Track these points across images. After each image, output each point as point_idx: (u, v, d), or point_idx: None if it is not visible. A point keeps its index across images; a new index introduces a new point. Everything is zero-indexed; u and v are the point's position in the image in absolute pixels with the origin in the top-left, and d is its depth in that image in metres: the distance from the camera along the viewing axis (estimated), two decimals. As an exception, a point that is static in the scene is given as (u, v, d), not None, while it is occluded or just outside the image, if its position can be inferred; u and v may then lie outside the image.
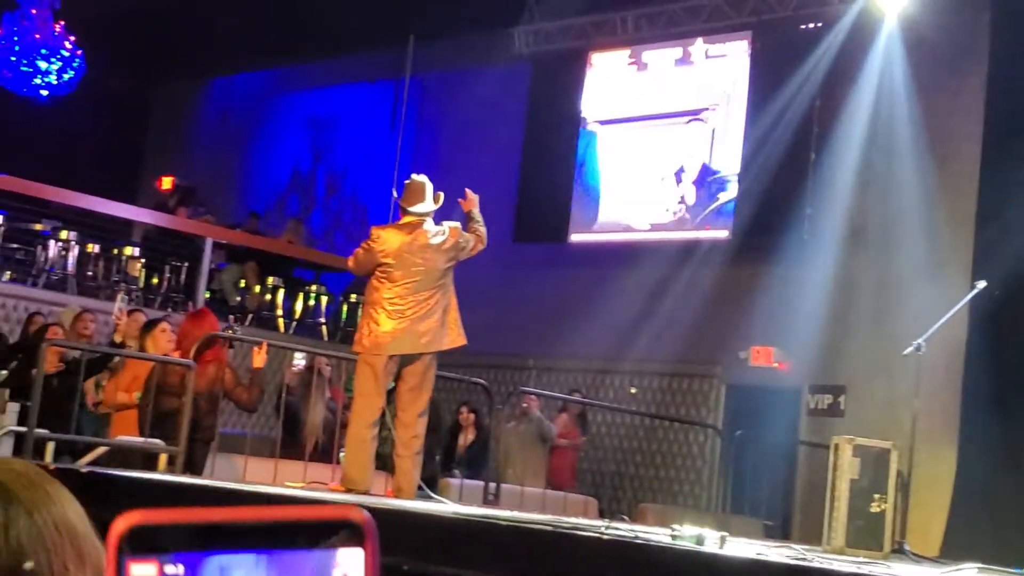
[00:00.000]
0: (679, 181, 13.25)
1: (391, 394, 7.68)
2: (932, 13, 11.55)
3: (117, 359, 8.89)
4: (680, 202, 13.30)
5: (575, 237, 14.04)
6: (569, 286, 13.74)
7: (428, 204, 7.56)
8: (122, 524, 0.65)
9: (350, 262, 7.77)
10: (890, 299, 11.44)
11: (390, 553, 5.05)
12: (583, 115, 14.13)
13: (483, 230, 7.76)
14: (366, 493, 7.36)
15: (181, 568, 0.64)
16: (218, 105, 19.12)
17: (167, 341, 8.44)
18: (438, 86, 16.04)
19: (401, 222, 7.56)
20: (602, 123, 14.05)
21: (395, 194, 7.76)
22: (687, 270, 12.78)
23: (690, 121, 13.17)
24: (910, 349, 7.70)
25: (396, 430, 7.50)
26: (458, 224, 7.66)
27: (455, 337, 7.51)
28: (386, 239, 7.42)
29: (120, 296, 10.41)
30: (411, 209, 7.51)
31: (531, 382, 13.53)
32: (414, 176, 7.76)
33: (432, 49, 15.51)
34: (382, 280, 7.38)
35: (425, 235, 7.44)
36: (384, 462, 8.20)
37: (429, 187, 7.61)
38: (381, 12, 14.85)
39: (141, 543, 0.65)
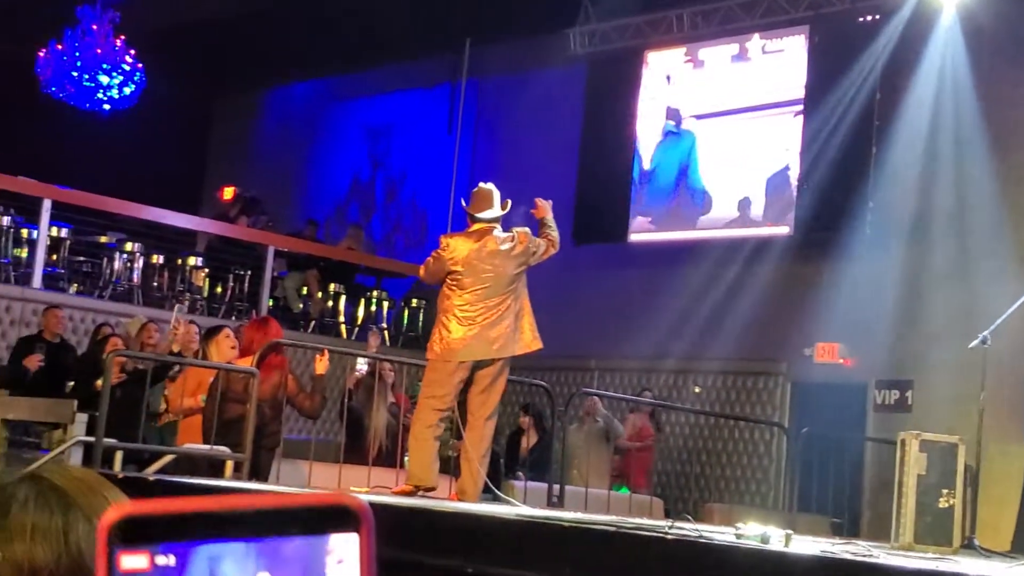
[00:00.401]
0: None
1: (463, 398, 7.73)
2: (990, 3, 11.40)
3: (176, 368, 8.99)
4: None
5: (635, 237, 14.00)
6: (630, 286, 13.70)
7: (496, 210, 7.65)
8: (112, 515, 0.65)
9: (421, 271, 7.86)
10: (956, 292, 11.29)
11: (453, 556, 5.07)
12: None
13: (555, 235, 7.81)
14: (432, 490, 7.41)
15: (172, 558, 0.64)
16: (277, 115, 19.29)
17: (230, 347, 8.51)
18: (494, 89, 16.07)
19: (470, 229, 7.63)
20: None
21: (464, 203, 7.82)
22: (749, 267, 12.70)
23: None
24: (976, 342, 7.60)
25: (464, 433, 7.54)
26: (527, 229, 7.70)
27: (529, 342, 7.58)
28: (455, 247, 7.51)
29: (177, 307, 10.56)
30: (479, 216, 7.61)
31: (593, 383, 13.51)
32: (481, 184, 7.84)
33: (487, 53, 15.54)
34: (452, 288, 7.46)
35: (494, 241, 7.52)
36: (448, 464, 8.25)
37: (496, 194, 7.71)
38: (436, 17, 14.91)
39: (132, 534, 0.64)
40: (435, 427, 7.46)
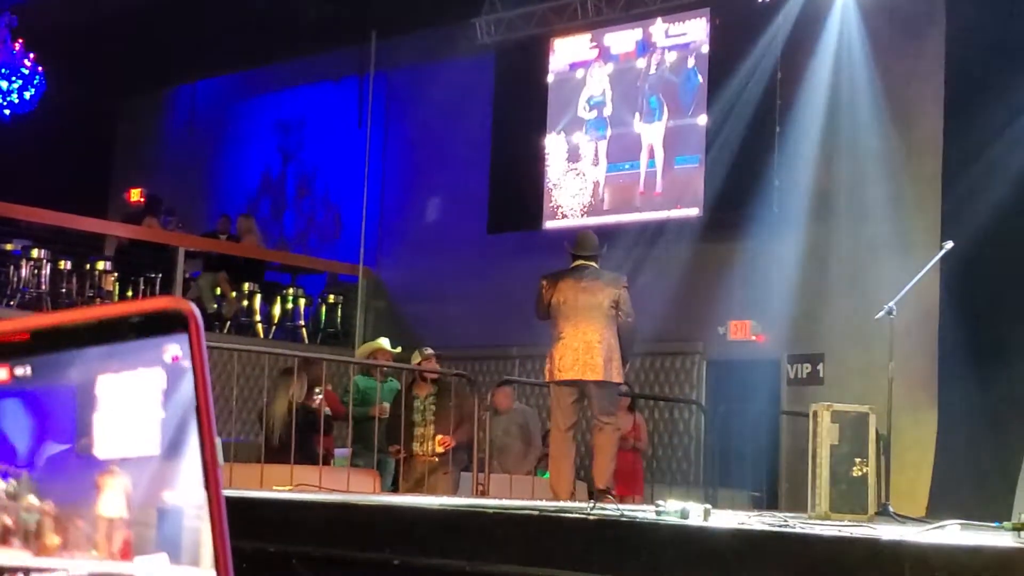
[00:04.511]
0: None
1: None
2: (886, -23, 11.61)
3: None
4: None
5: (549, 224, 14.06)
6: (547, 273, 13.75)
7: (594, 251, 8.67)
8: None
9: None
10: (863, 266, 11.53)
11: (379, 549, 5.09)
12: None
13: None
14: (568, 500, 8.23)
15: (29, 368, 0.71)
16: (183, 113, 19.06)
17: None
18: (403, 81, 16.04)
19: (571, 267, 8.58)
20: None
21: (568, 245, 8.78)
22: (660, 250, 12.83)
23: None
24: (881, 313, 7.78)
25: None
26: (624, 285, 8.55)
27: (616, 374, 8.36)
28: (554, 283, 8.48)
29: None
30: (579, 254, 8.61)
31: (515, 370, 13.56)
32: (583, 231, 9.26)
33: (395, 44, 15.49)
34: (555, 318, 8.39)
35: (589, 278, 8.44)
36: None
37: (594, 238, 8.84)
38: (341, 9, 14.83)
39: None
40: (563, 452, 8.50)
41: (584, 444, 10.39)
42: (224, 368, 12.24)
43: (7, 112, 14.43)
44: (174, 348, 0.69)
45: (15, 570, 0.69)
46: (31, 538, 0.69)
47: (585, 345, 8.24)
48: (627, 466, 10.88)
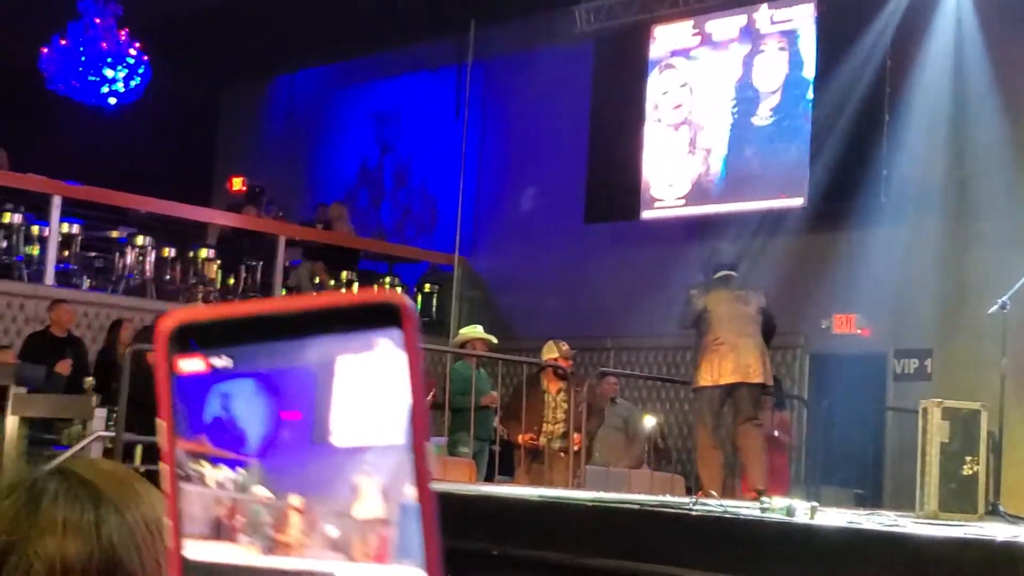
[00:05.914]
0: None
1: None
2: (1000, -36, 11.29)
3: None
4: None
5: (647, 214, 13.93)
6: (643, 264, 13.64)
7: (737, 262, 9.24)
8: (169, 322, 0.66)
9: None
10: (972, 259, 11.22)
11: (479, 539, 5.04)
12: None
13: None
14: (719, 495, 8.40)
15: (227, 359, 0.65)
16: (283, 103, 19.24)
17: None
18: (501, 70, 15.99)
19: (717, 277, 8.98)
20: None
21: (709, 256, 9.26)
22: (763, 241, 12.61)
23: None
24: (995, 308, 7.55)
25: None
26: (765, 294, 9.19)
27: (770, 376, 9.02)
28: (706, 293, 8.89)
29: None
30: (724, 264, 9.07)
31: (610, 362, 13.46)
32: (721, 244, 9.69)
33: (493, 33, 15.45)
34: (708, 326, 8.78)
35: (738, 288, 8.99)
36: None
37: (734, 251, 9.48)
38: (440, -1, 14.84)
39: (188, 339, 0.65)
40: (711, 447, 8.92)
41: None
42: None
43: (112, 101, 14.67)
44: (386, 343, 0.62)
45: (259, 571, 0.62)
46: (264, 535, 0.62)
47: (746, 350, 8.71)
48: (774, 464, 10.52)
